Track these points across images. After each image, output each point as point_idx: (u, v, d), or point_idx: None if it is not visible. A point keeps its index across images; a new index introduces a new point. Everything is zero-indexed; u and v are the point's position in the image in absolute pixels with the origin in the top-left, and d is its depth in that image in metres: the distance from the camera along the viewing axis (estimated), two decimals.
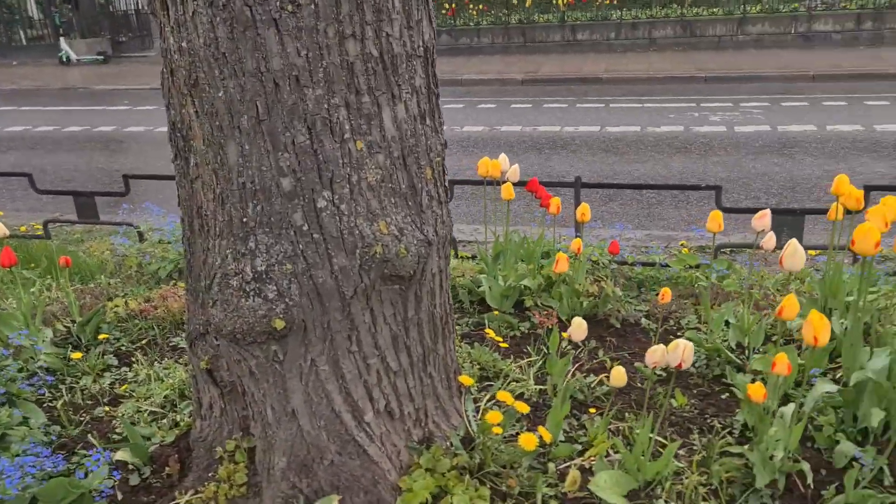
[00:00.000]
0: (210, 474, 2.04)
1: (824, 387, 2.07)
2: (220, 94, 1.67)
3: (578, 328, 2.03)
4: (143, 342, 2.97)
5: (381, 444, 1.96)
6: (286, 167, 1.69)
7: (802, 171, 6.36)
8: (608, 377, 2.60)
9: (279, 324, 1.75)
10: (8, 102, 12.44)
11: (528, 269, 3.14)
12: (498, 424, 2.03)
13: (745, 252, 3.95)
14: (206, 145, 1.73)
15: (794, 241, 1.99)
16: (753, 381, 2.36)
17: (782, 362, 1.80)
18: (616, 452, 2.10)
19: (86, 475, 1.94)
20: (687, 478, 2.02)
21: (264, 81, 1.64)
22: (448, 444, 2.14)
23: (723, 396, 2.49)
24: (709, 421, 2.35)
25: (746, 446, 2.05)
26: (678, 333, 2.97)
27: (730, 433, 2.22)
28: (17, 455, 1.86)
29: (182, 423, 2.30)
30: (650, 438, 1.96)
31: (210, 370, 2.02)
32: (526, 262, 3.24)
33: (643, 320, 3.07)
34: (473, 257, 3.66)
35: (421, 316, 2.01)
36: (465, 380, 2.24)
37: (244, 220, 1.74)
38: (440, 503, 1.93)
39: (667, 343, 2.82)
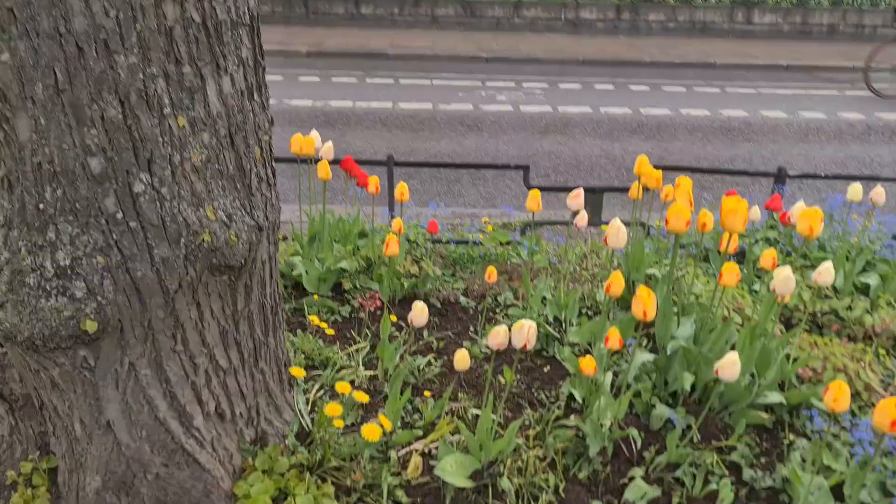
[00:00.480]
0: None
1: (642, 356, 2.21)
2: (4, 58, 1.39)
3: (420, 314, 1.99)
4: None
5: (212, 450, 1.78)
6: (94, 146, 1.45)
7: (583, 150, 6.83)
8: (436, 358, 2.59)
9: (90, 325, 1.51)
10: None
11: (346, 251, 3.05)
12: (338, 417, 1.93)
13: (546, 228, 4.15)
14: None
15: (616, 220, 2.09)
16: (575, 353, 2.48)
17: (614, 337, 1.89)
18: (455, 434, 2.10)
19: None
20: (525, 453, 2.07)
21: (64, 45, 1.39)
22: (283, 442, 2.01)
23: (545, 370, 2.58)
24: (536, 394, 2.42)
25: (574, 417, 2.14)
26: (497, 310, 3.04)
27: (557, 406, 2.31)
28: None
29: None
30: (489, 418, 1.98)
31: None
32: (342, 243, 3.14)
33: (461, 298, 3.10)
34: (284, 238, 3.49)
35: (251, 308, 1.85)
36: (297, 371, 2.11)
37: (41, 206, 1.47)
38: None
39: (488, 321, 2.87)
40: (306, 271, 2.94)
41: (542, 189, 3.24)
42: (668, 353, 2.21)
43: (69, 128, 1.42)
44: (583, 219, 2.67)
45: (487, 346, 2.67)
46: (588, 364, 2.00)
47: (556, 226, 4.28)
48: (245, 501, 1.77)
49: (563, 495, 1.98)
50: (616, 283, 1.98)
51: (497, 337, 1.85)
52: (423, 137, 7.20)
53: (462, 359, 1.92)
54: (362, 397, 2.03)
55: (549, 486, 1.98)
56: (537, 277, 3.13)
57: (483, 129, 7.57)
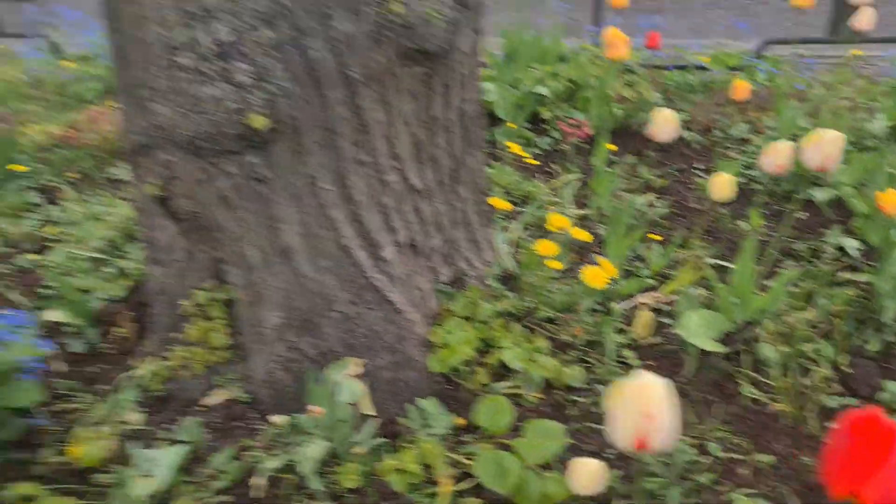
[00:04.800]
0: (175, 335, 1.54)
1: None
2: None
3: (666, 122, 1.49)
4: (73, 175, 2.37)
5: (404, 289, 1.47)
6: None
7: None
8: (660, 197, 2.13)
9: (259, 122, 1.19)
10: None
11: (546, 73, 2.57)
12: (553, 258, 1.55)
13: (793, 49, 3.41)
14: None
15: None
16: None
17: None
18: (695, 287, 1.67)
19: None
20: (789, 315, 1.60)
21: None
22: (483, 285, 1.67)
23: (801, 216, 2.05)
24: (792, 246, 1.92)
25: (866, 273, 1.62)
26: (727, 146, 2.49)
27: (822, 261, 1.80)
28: None
29: (133, 273, 1.78)
30: (750, 267, 1.51)
31: (164, 198, 1.47)
32: (540, 64, 2.66)
33: (684, 132, 2.57)
34: None
35: (449, 115, 1.46)
36: (499, 203, 1.73)
37: None
38: (486, 359, 1.49)
39: (717, 156, 2.34)
40: (501, 96, 2.52)
41: None
42: None
43: None
44: (867, 19, 2.01)
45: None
46: (889, 201, 1.47)
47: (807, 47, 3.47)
48: (443, 351, 1.46)
49: (843, 371, 1.51)
50: None
51: (778, 156, 1.35)
52: None
53: (723, 184, 1.44)
54: (583, 235, 1.63)
55: (824, 358, 1.52)
56: (776, 107, 2.51)
57: None
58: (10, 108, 2.98)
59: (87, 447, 1.26)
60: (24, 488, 1.20)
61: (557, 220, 1.61)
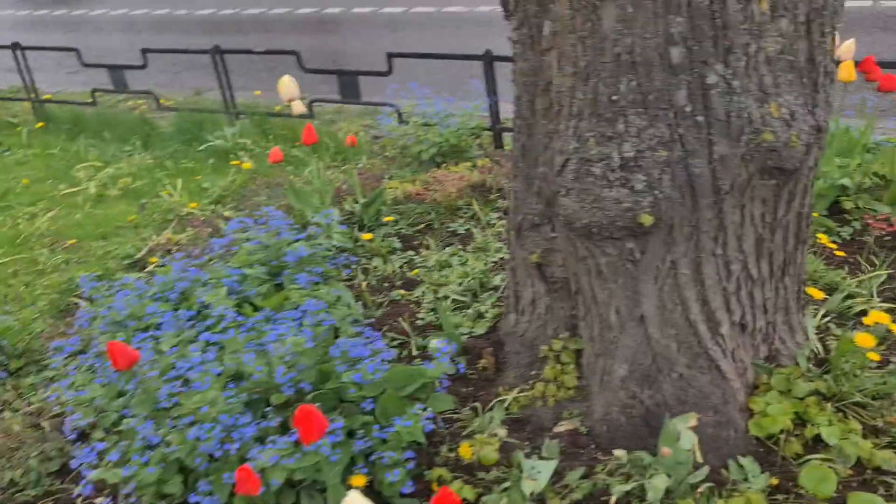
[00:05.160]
0: (531, 372, 1.93)
1: None
2: None
3: None
4: (421, 226, 2.91)
5: (731, 360, 1.73)
6: (677, 34, 1.41)
7: None
8: None
9: (646, 219, 1.53)
10: None
11: (853, 165, 2.69)
12: (871, 349, 1.72)
13: None
14: (573, 9, 1.49)
15: None
16: None
17: None
18: None
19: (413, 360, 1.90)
20: None
21: None
22: (794, 364, 1.87)
23: None
24: None
25: None
26: None
27: None
28: (352, 337, 1.84)
29: (487, 315, 2.20)
30: None
31: (539, 264, 1.87)
32: (844, 156, 2.78)
33: None
34: None
35: (789, 217, 1.71)
36: (814, 292, 1.93)
37: (613, 98, 1.50)
38: (800, 431, 1.69)
39: None
40: None
41: None
42: None
43: (655, 16, 1.40)
44: None
45: None
46: None
47: None
48: (764, 419, 1.70)
49: None
50: None
51: None
52: None
53: None
54: None
55: None
56: None
57: None
58: (358, 161, 3.67)
59: (479, 450, 1.66)
60: (439, 472, 1.63)
61: (877, 316, 1.78)
